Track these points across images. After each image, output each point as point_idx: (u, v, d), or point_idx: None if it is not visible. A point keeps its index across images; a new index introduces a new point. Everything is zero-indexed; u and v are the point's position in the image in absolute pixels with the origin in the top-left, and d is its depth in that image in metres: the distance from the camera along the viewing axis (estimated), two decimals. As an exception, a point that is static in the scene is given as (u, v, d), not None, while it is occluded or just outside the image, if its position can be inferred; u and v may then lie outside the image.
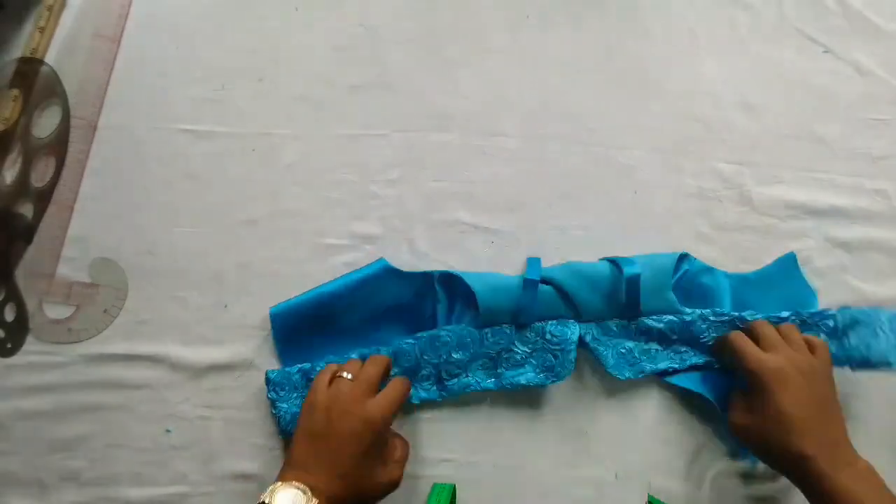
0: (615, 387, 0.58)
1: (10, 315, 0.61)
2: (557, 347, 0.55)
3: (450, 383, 0.56)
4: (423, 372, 0.57)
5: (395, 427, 0.53)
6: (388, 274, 0.60)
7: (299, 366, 0.58)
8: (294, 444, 0.48)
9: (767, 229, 0.61)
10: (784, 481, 0.56)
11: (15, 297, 0.61)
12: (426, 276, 0.60)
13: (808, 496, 0.46)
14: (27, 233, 0.62)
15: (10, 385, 0.59)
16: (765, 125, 0.64)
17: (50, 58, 0.67)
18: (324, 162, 0.64)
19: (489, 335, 0.56)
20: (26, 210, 0.63)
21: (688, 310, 0.57)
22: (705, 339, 0.56)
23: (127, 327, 0.60)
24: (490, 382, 0.56)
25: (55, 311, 0.61)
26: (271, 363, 0.60)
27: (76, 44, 0.67)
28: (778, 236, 0.61)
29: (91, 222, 0.63)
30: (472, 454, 0.58)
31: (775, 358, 0.49)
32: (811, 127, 0.64)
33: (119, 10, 0.68)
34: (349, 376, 0.50)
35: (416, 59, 0.67)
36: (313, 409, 0.48)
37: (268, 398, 0.58)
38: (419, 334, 0.57)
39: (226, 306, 0.61)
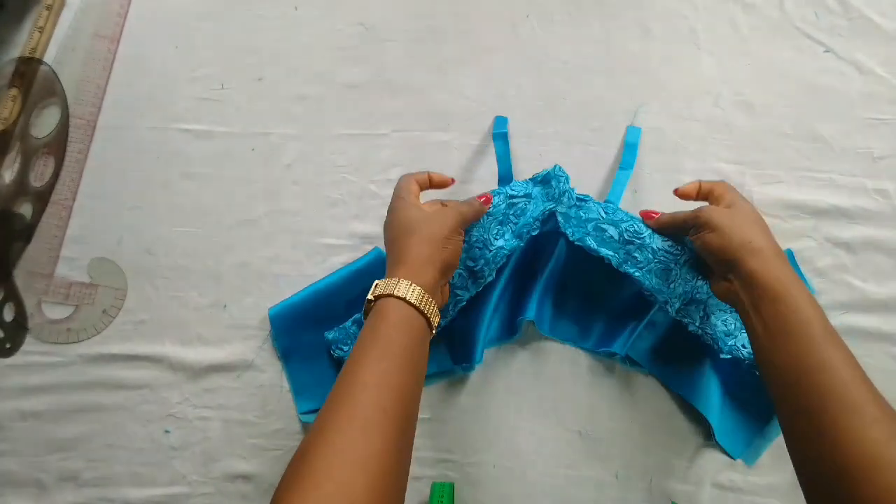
0: (616, 388, 0.58)
1: (8, 315, 0.61)
2: (549, 177, 0.57)
3: (478, 268, 0.56)
4: (453, 280, 0.56)
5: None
6: (384, 262, 0.60)
7: (353, 318, 0.58)
8: (389, 253, 0.51)
9: (768, 229, 0.61)
10: (783, 480, 0.56)
11: (14, 297, 0.61)
12: None
13: (744, 295, 0.48)
14: (26, 233, 0.62)
15: (9, 385, 0.59)
16: (765, 125, 0.64)
17: (49, 57, 0.67)
18: (323, 161, 0.64)
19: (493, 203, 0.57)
20: (25, 210, 0.63)
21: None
22: (663, 249, 0.56)
23: (126, 327, 0.60)
24: (511, 241, 0.56)
25: (54, 312, 0.61)
26: (271, 363, 0.59)
27: (75, 43, 0.67)
28: (778, 236, 0.60)
29: (90, 222, 0.63)
30: (472, 454, 0.57)
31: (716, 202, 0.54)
32: (812, 126, 0.64)
33: (118, 10, 0.68)
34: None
35: (415, 59, 0.67)
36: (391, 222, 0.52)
37: (335, 358, 0.58)
38: None
39: (225, 306, 0.61)
